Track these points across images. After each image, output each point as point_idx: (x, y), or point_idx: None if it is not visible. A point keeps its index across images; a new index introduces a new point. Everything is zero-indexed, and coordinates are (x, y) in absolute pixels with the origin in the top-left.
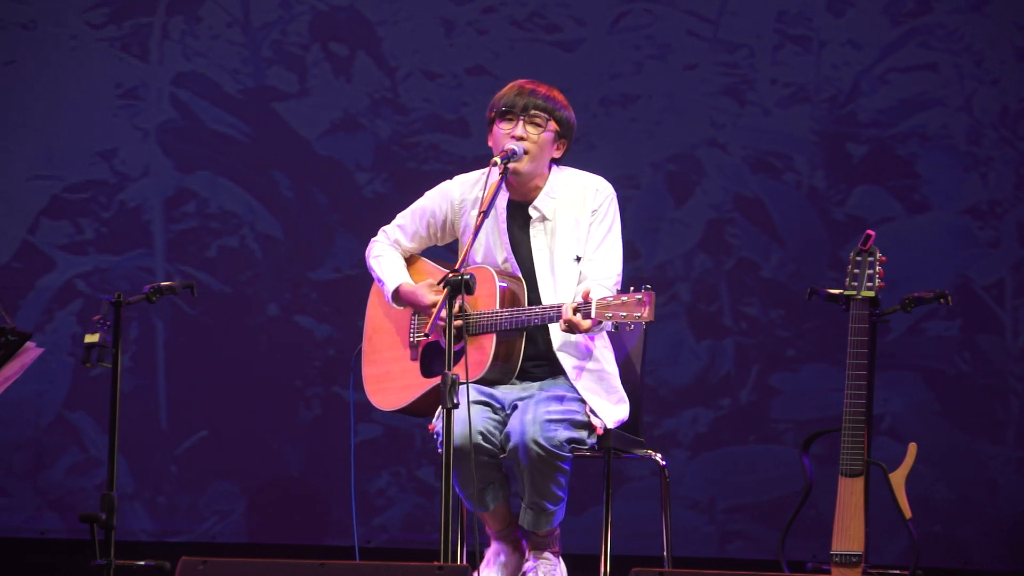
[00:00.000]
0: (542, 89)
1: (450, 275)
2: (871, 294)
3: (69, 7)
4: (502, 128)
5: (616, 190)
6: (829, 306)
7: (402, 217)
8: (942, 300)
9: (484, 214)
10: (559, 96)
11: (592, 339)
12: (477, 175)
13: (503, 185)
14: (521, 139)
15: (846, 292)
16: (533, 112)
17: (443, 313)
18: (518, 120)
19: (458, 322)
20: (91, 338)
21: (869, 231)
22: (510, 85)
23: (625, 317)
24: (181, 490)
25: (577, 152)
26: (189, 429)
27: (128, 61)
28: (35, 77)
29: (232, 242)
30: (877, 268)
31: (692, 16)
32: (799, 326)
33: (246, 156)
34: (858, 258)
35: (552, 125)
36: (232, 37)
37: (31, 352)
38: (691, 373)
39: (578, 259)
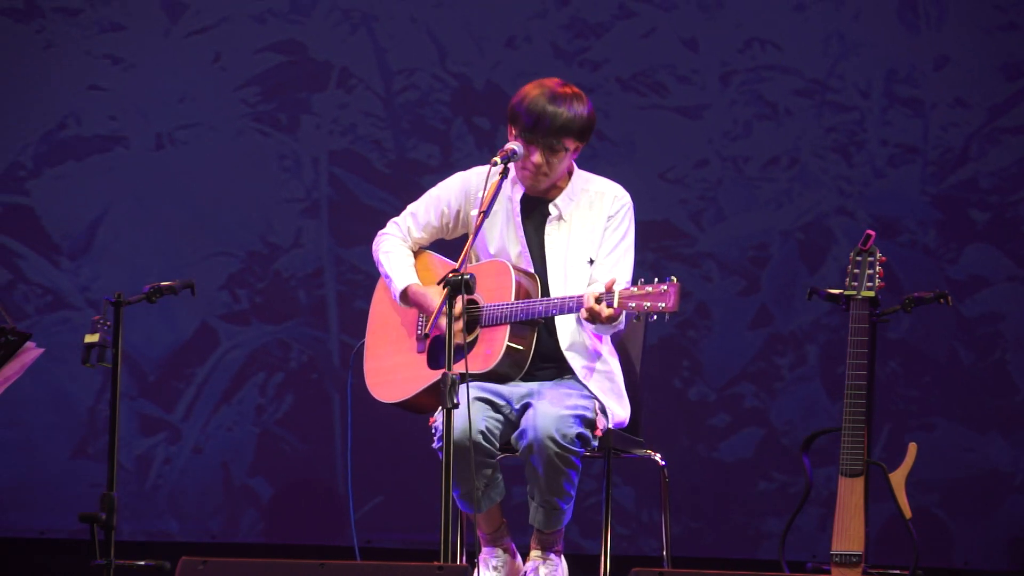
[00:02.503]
0: (563, 111)
1: (450, 275)
2: (871, 294)
3: (224, 86)
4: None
5: (745, 254)
6: (952, 366)
7: (415, 206)
8: (942, 300)
9: (484, 214)
10: (579, 109)
11: (600, 339)
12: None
13: (517, 181)
14: (538, 166)
15: (846, 292)
16: (553, 141)
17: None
18: (536, 148)
19: (458, 323)
20: (91, 338)
21: (869, 231)
22: (532, 99)
23: (649, 308)
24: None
25: (708, 224)
26: (367, 495)
27: (276, 136)
28: (196, 155)
29: None
30: (877, 268)
31: (798, 76)
32: (920, 381)
33: None
34: (858, 258)
35: (570, 144)
36: (373, 110)
37: (31, 352)
38: None
39: (591, 262)
